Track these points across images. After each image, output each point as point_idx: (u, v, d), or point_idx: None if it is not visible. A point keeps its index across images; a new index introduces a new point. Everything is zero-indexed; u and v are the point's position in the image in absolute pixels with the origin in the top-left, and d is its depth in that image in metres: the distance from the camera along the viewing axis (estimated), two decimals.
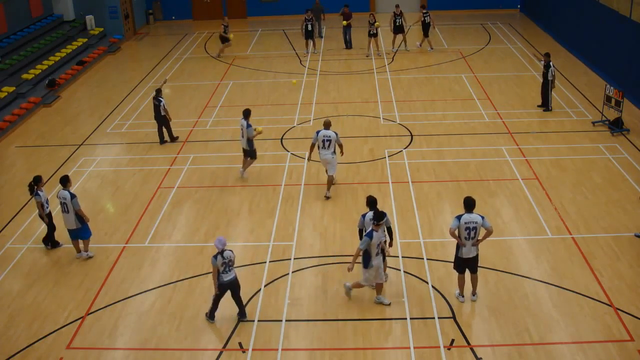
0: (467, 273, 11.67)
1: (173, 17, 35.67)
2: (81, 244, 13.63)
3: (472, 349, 10.67)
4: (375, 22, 26.46)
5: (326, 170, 15.58)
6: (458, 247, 11.41)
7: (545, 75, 19.97)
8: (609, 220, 14.27)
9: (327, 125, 15.33)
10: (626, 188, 15.61)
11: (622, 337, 10.80)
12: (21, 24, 27.01)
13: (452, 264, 11.83)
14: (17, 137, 20.51)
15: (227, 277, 11.17)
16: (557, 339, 10.84)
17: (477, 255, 11.45)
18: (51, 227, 13.94)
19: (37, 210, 13.86)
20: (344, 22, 28.04)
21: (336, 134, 15.22)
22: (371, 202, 11.85)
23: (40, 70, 24.89)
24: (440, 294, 12.01)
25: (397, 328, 11.21)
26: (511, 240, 13.59)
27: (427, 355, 10.58)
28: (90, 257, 13.61)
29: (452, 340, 10.86)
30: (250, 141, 16.27)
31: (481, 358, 10.47)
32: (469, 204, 11.27)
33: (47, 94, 23.74)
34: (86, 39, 29.61)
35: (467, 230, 11.17)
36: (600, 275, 12.39)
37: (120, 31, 31.75)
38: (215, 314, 11.50)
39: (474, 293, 11.77)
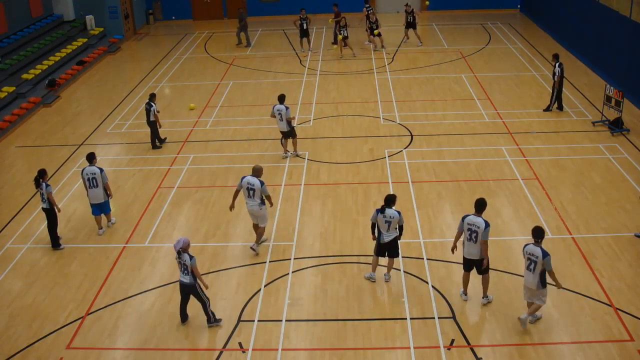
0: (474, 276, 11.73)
1: (173, 17, 35.66)
2: (103, 219, 14.69)
3: (472, 349, 10.67)
4: (345, 25, 26.82)
5: (256, 224, 13.64)
6: (463, 245, 11.48)
7: (554, 76, 19.97)
8: (609, 220, 14.26)
9: (254, 172, 13.31)
10: (626, 188, 15.61)
11: (622, 337, 10.80)
12: (21, 24, 27.00)
13: (454, 264, 11.82)
14: (17, 137, 20.52)
15: (182, 279, 11.18)
16: (557, 339, 10.84)
17: (481, 259, 11.33)
18: (55, 222, 14.05)
19: (42, 205, 13.90)
20: (330, 20, 28.77)
21: (261, 183, 13.12)
22: (388, 200, 11.85)
23: (40, 70, 24.89)
24: (440, 294, 12.01)
25: (397, 328, 11.20)
26: (511, 240, 13.58)
27: (427, 355, 10.58)
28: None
29: (452, 340, 10.86)
30: (290, 122, 17.36)
31: (481, 358, 10.47)
32: (477, 206, 11.26)
33: (47, 94, 23.73)
34: (86, 39, 29.61)
35: (469, 232, 11.21)
36: (600, 275, 12.39)
37: (120, 31, 31.75)
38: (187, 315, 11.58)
39: (484, 295, 11.68)
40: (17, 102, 22.53)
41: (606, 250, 13.16)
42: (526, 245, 10.84)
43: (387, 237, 11.94)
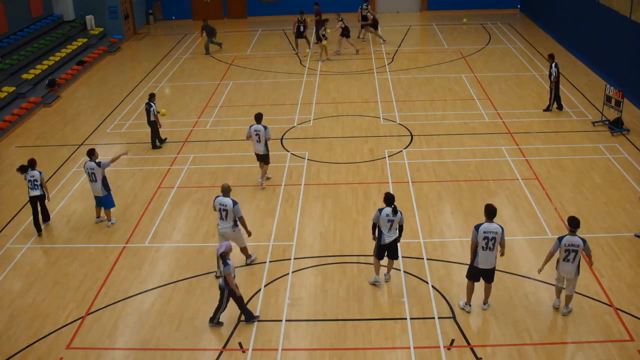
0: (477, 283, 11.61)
1: (173, 17, 35.67)
2: (104, 213, 15.00)
3: (472, 349, 10.67)
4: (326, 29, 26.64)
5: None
6: (474, 255, 11.13)
7: (550, 77, 19.95)
8: (609, 220, 14.27)
9: (224, 192, 12.46)
10: (626, 188, 15.61)
11: (622, 337, 10.80)
12: (21, 24, 27.01)
13: (454, 264, 11.77)
14: (17, 137, 20.52)
15: (220, 279, 11.28)
16: (557, 339, 10.84)
17: (495, 267, 11.25)
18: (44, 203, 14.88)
19: (33, 193, 14.52)
20: (309, 20, 28.89)
21: (234, 203, 12.28)
22: (391, 199, 11.74)
23: (40, 70, 24.89)
24: (440, 294, 12.01)
25: (397, 328, 11.20)
26: (511, 240, 13.57)
27: (427, 355, 10.58)
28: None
29: (452, 340, 10.86)
30: (267, 145, 16.00)
31: (481, 358, 10.47)
32: (490, 212, 10.98)
33: (47, 94, 23.73)
34: (86, 39, 29.61)
35: (486, 240, 10.89)
36: (600, 275, 12.38)
37: (120, 31, 31.75)
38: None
39: (485, 302, 11.59)
40: (17, 102, 22.53)
41: (606, 250, 13.16)
42: (561, 237, 10.95)
43: (387, 238, 11.86)
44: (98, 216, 15.01)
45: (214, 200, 12.57)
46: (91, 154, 14.77)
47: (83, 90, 25.01)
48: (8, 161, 18.78)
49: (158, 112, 18.69)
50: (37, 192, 14.47)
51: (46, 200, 14.84)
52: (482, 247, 10.98)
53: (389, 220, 11.76)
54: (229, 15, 35.46)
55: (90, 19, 31.00)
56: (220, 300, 11.28)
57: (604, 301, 11.68)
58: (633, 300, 11.66)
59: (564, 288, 11.33)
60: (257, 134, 15.78)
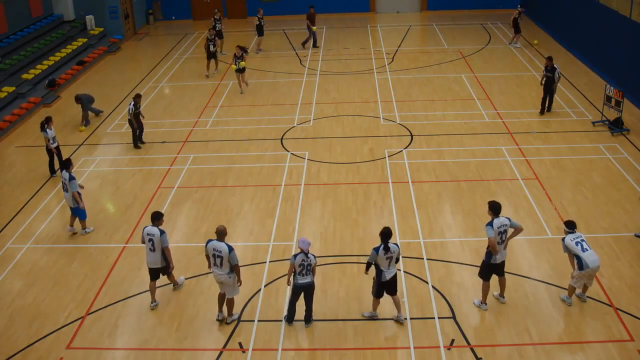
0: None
1: (173, 17, 35.68)
2: (78, 223, 14.73)
3: (472, 349, 10.67)
4: (243, 54, 22.98)
5: (223, 294, 11.51)
6: (489, 254, 11.13)
7: (550, 79, 19.72)
8: (609, 220, 14.27)
9: (218, 235, 10.94)
10: (626, 188, 15.62)
11: (622, 337, 10.80)
12: (21, 24, 27.00)
13: (454, 264, 11.71)
14: (17, 137, 20.51)
15: (302, 280, 10.91)
16: (557, 339, 10.84)
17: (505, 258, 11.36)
18: (52, 158, 17.34)
19: (45, 144, 17.22)
20: (314, 28, 28.50)
21: (229, 249, 10.78)
22: (388, 234, 10.90)
23: (40, 70, 24.89)
24: (440, 294, 12.01)
25: (397, 328, 11.20)
26: (511, 240, 13.55)
27: (427, 355, 10.58)
28: (88, 232, 14.70)
29: (452, 340, 10.86)
30: (165, 254, 11.81)
31: (481, 358, 10.47)
32: (498, 208, 11.07)
33: (47, 94, 23.73)
34: (86, 39, 29.61)
35: (500, 235, 11.01)
36: (600, 275, 12.37)
37: (120, 31, 31.76)
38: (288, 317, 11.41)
39: (502, 295, 11.63)
40: (17, 102, 22.53)
41: (606, 250, 13.16)
42: (566, 236, 11.26)
43: (388, 275, 11.00)
44: (71, 225, 14.62)
45: (207, 244, 11.08)
46: (67, 164, 14.39)
47: (83, 90, 24.91)
48: (8, 161, 18.78)
49: (143, 117, 19.07)
50: (54, 145, 17.19)
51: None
52: (498, 242, 11.06)
53: (387, 257, 10.88)
54: (229, 15, 35.46)
55: (90, 19, 31.00)
56: (312, 297, 11.09)
57: (604, 301, 11.68)
58: (633, 300, 11.66)
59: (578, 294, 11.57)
60: (150, 240, 11.67)
